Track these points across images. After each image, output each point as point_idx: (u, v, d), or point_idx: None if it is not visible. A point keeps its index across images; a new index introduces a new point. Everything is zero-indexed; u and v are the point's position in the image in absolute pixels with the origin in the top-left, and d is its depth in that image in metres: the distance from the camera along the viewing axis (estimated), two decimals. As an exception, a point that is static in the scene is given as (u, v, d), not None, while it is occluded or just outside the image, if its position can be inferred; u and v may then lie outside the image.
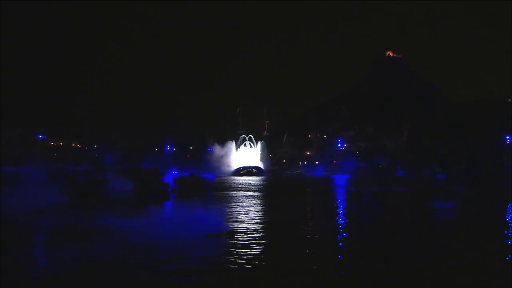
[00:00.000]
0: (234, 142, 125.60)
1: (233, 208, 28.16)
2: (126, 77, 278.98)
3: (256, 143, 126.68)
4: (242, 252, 14.61)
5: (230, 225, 19.88)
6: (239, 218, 23.21)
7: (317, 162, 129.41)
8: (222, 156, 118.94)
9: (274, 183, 70.36)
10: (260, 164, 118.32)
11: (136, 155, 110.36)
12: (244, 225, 20.62)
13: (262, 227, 20.15)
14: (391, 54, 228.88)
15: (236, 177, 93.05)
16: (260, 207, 29.18)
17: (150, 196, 34.98)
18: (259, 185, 60.44)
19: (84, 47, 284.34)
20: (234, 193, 43.11)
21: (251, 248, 15.13)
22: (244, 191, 46.35)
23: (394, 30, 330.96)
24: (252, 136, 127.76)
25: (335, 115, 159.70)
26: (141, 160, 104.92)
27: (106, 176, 45.29)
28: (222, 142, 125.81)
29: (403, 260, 13.66)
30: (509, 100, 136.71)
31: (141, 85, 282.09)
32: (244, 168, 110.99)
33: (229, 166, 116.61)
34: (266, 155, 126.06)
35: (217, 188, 53.05)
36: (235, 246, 15.52)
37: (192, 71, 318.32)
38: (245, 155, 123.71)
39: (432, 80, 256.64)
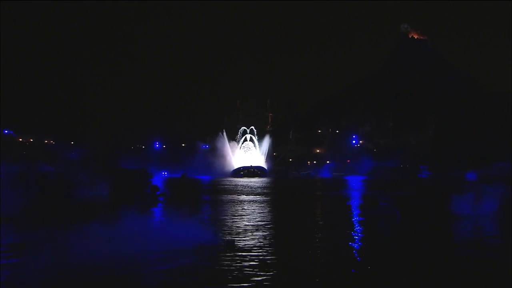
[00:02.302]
0: (226, 136, 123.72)
1: (232, 215, 28.37)
2: (111, 68, 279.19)
3: (259, 139, 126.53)
4: (242, 270, 14.76)
5: (229, 236, 20.06)
6: (239, 227, 23.39)
7: (328, 161, 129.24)
8: (219, 155, 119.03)
9: (279, 185, 70.61)
10: (263, 164, 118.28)
11: (120, 154, 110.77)
12: (245, 236, 20.79)
13: (265, 238, 20.30)
14: (415, 35, 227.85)
15: (235, 179, 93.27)
16: (263, 215, 29.36)
17: (135, 201, 35.15)
18: (262, 187, 60.69)
19: (67, 38, 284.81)
20: (233, 197, 43.32)
21: (253, 265, 15.30)
22: (245, 194, 46.62)
23: (419, 7, 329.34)
24: (254, 128, 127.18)
25: (349, 107, 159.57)
26: (126, 159, 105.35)
27: (84, 177, 45.54)
28: (219, 139, 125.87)
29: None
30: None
31: (129, 78, 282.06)
32: (244, 168, 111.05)
33: (227, 166, 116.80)
34: (270, 154, 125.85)
35: (213, 192, 53.26)
36: (234, 262, 15.72)
37: (185, 60, 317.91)
38: (246, 153, 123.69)
39: (463, 66, 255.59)
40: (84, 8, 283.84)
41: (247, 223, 24.53)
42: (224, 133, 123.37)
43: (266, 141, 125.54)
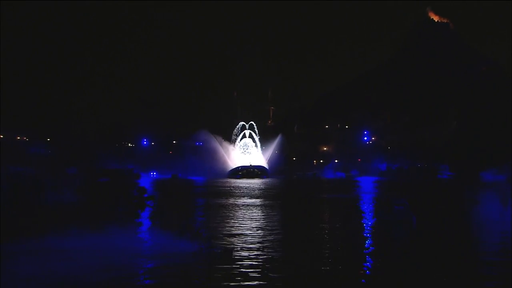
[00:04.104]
0: (214, 132, 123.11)
1: (229, 221, 28.47)
2: (99, 62, 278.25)
3: (259, 135, 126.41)
4: (241, 281, 14.81)
5: (226, 246, 20.11)
6: (237, 234, 23.48)
7: (336, 160, 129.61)
8: (214, 153, 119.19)
9: (281, 187, 70.77)
10: (264, 163, 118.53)
11: (104, 152, 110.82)
12: (245, 245, 20.85)
13: (267, 247, 20.36)
14: (434, 17, 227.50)
15: (233, 180, 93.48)
16: (264, 220, 29.45)
17: (119, 204, 35.09)
18: (263, 189, 60.81)
19: (51, 30, 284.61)
20: (230, 201, 43.42)
21: (254, 279, 15.34)
22: (244, 197, 46.75)
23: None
24: (253, 123, 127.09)
25: (359, 100, 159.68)
26: (110, 158, 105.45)
27: (59, 178, 45.48)
28: (215, 135, 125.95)
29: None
30: None
31: (117, 72, 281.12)
32: (243, 167, 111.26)
33: (223, 165, 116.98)
34: (271, 151, 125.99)
35: (207, 194, 53.38)
36: (232, 272, 15.73)
37: (179, 53, 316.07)
38: (245, 150, 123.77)
39: (489, 53, 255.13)
40: (76, 4, 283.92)
41: (246, 230, 24.61)
42: (205, 131, 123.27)
43: (278, 140, 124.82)
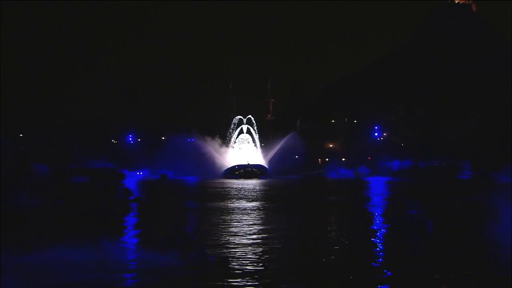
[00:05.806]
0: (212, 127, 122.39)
1: (225, 227, 28.47)
2: (71, 46, 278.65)
3: (258, 131, 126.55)
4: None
5: (221, 254, 20.09)
6: (234, 242, 23.47)
7: (344, 159, 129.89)
8: (208, 150, 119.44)
9: (282, 187, 70.88)
10: (263, 162, 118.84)
11: (85, 149, 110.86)
12: (242, 253, 20.85)
13: (267, 254, 20.37)
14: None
15: (229, 180, 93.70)
16: (265, 226, 29.47)
17: (101, 208, 35.01)
18: (263, 190, 60.93)
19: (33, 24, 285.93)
20: (226, 204, 43.43)
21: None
22: (241, 200, 46.79)
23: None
24: (251, 118, 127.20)
25: (369, 90, 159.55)
26: (90, 155, 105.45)
27: (33, 179, 45.43)
28: (209, 130, 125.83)
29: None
30: None
31: (96, 58, 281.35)
32: (240, 167, 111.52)
33: (219, 164, 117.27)
34: (275, 149, 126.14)
35: (201, 196, 53.39)
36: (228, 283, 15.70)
37: (173, 45, 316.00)
38: (242, 148, 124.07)
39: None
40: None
41: (243, 236, 24.66)
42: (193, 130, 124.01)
43: (287, 138, 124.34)
